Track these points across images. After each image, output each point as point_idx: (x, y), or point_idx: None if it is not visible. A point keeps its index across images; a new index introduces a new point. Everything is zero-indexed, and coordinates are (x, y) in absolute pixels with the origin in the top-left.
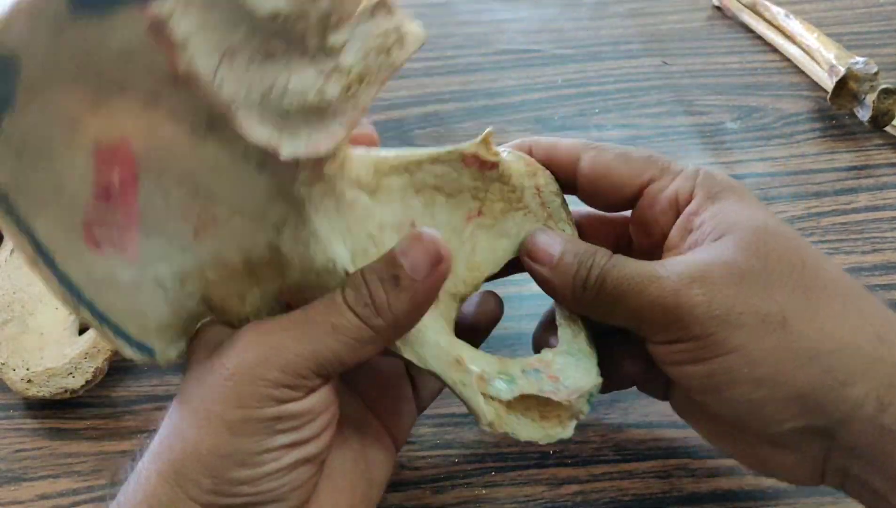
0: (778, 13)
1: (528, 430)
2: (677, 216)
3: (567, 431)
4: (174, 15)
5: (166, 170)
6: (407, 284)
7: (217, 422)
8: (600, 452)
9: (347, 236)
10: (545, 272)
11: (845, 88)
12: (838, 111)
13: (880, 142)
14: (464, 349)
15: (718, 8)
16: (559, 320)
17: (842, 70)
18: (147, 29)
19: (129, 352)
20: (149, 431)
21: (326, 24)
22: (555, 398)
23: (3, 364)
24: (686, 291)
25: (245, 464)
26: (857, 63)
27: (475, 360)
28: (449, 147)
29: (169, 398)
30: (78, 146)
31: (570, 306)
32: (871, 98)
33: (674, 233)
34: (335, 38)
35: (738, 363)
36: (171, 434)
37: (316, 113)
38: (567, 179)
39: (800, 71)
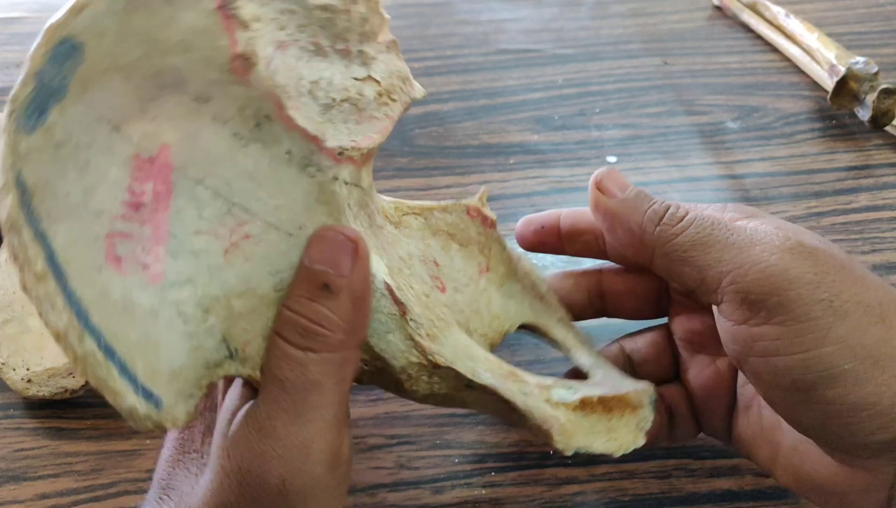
0: (778, 13)
1: (601, 441)
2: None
3: (640, 439)
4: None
5: (202, 182)
6: (339, 284)
7: None
8: None
9: (381, 253)
10: (611, 204)
11: (845, 87)
12: (838, 111)
13: (880, 142)
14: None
15: (718, 8)
16: (587, 365)
17: (842, 70)
18: (214, 7)
19: (130, 400)
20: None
21: (364, 29)
22: (621, 391)
23: (3, 364)
24: (796, 263)
25: None
26: (857, 63)
27: (527, 374)
28: (454, 201)
29: None
30: (117, 151)
31: (629, 248)
32: (871, 98)
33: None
34: (369, 49)
35: (841, 358)
36: None
37: (355, 111)
38: (596, 244)
39: (800, 71)
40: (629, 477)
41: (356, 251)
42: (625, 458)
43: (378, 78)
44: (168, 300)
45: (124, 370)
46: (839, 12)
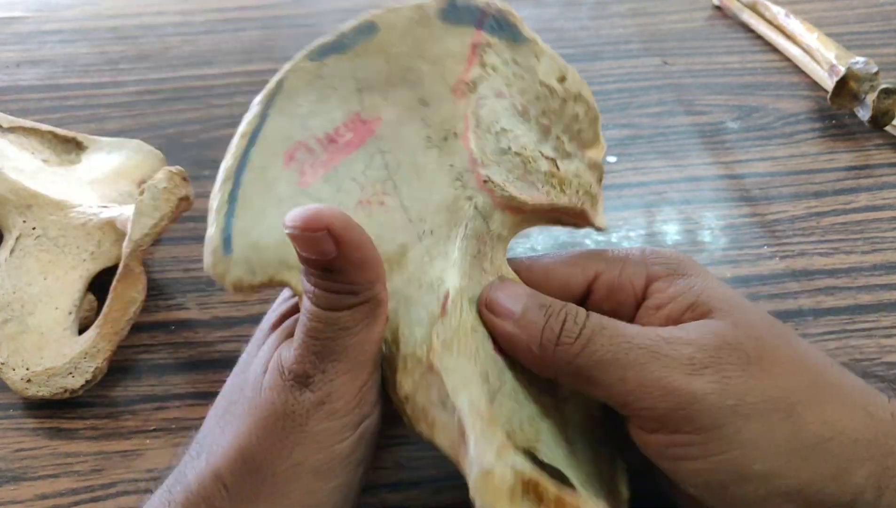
0: (778, 13)
1: None
2: (637, 301)
3: None
4: (492, 46)
5: (384, 154)
6: (335, 264)
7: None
8: None
9: (465, 278)
10: (508, 327)
11: (845, 87)
12: (838, 111)
13: (880, 142)
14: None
15: (718, 8)
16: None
17: (842, 70)
18: (470, 43)
19: (214, 232)
20: (149, 430)
21: (572, 126)
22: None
23: (2, 364)
24: (697, 376)
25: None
26: (857, 63)
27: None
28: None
29: (169, 397)
30: (349, 104)
31: (538, 368)
32: (871, 98)
33: (642, 314)
34: (569, 146)
35: (749, 459)
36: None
37: (522, 170)
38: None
39: (800, 71)
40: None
41: (332, 230)
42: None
43: (560, 167)
44: (297, 200)
45: (230, 214)
46: (839, 12)
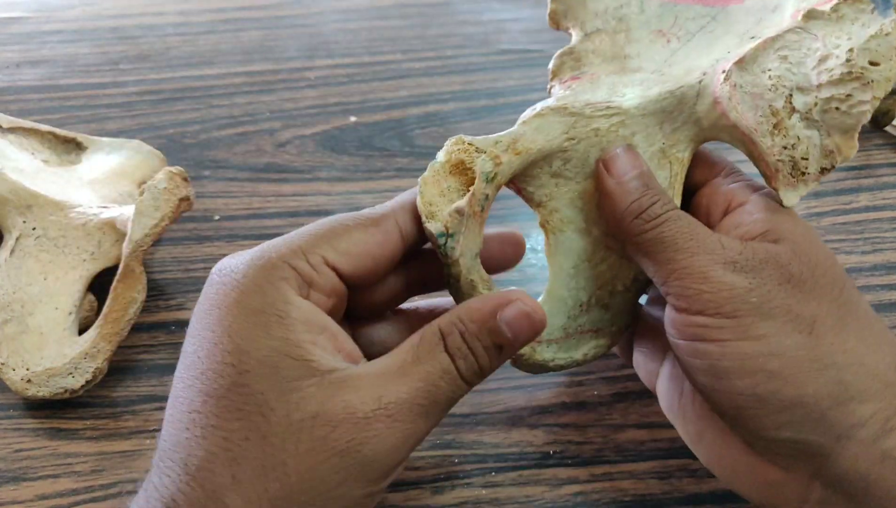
0: None
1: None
2: (725, 211)
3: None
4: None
5: (713, 18)
6: (508, 352)
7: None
8: (601, 452)
9: (640, 108)
10: (610, 183)
11: None
12: None
13: (880, 142)
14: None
15: None
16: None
17: None
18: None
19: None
20: (150, 431)
21: (838, 104)
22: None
23: (2, 364)
24: (736, 275)
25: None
26: None
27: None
28: None
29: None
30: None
31: (614, 228)
32: None
33: (724, 223)
34: (818, 116)
35: (755, 352)
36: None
37: (761, 91)
38: None
39: None
40: (630, 478)
41: (535, 331)
42: (626, 458)
43: (792, 120)
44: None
45: None
46: None
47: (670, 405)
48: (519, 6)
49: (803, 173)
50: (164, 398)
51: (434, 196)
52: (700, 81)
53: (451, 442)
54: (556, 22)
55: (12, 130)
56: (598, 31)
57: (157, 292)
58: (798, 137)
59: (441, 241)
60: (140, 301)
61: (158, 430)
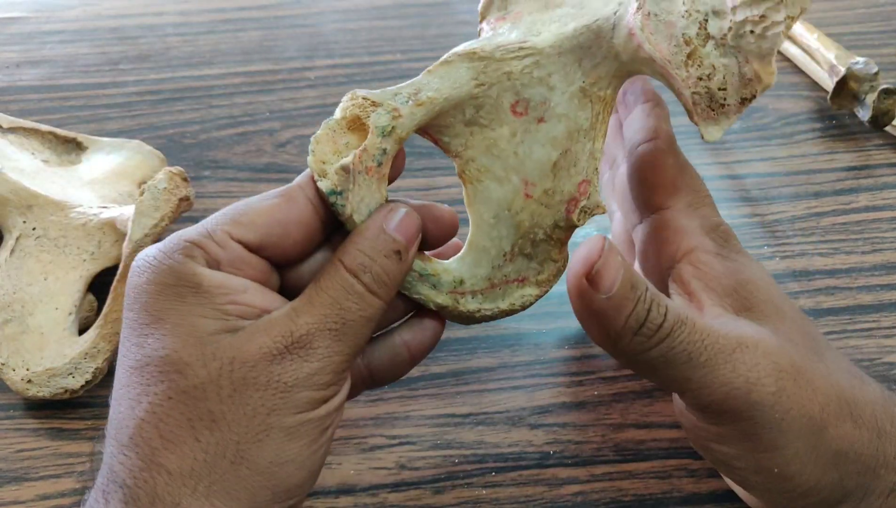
0: None
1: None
2: (678, 256)
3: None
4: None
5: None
6: (406, 256)
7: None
8: (600, 452)
9: (555, 48)
10: (596, 302)
11: (845, 88)
12: (838, 111)
13: (880, 142)
14: None
15: None
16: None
17: (842, 70)
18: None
19: None
20: None
21: (750, 28)
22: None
23: (3, 364)
24: (759, 386)
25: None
26: (857, 63)
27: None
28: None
29: None
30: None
31: (611, 347)
32: (871, 98)
33: (682, 271)
34: (732, 41)
35: (771, 462)
36: (216, 448)
37: (674, 19)
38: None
39: (800, 71)
40: (629, 477)
41: (418, 229)
42: (626, 458)
43: (706, 47)
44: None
45: None
46: (839, 12)
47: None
48: None
49: (722, 105)
50: None
51: (327, 154)
52: (615, 13)
53: (451, 442)
54: (483, 15)
55: (13, 129)
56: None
57: None
58: (713, 67)
59: (331, 199)
60: None
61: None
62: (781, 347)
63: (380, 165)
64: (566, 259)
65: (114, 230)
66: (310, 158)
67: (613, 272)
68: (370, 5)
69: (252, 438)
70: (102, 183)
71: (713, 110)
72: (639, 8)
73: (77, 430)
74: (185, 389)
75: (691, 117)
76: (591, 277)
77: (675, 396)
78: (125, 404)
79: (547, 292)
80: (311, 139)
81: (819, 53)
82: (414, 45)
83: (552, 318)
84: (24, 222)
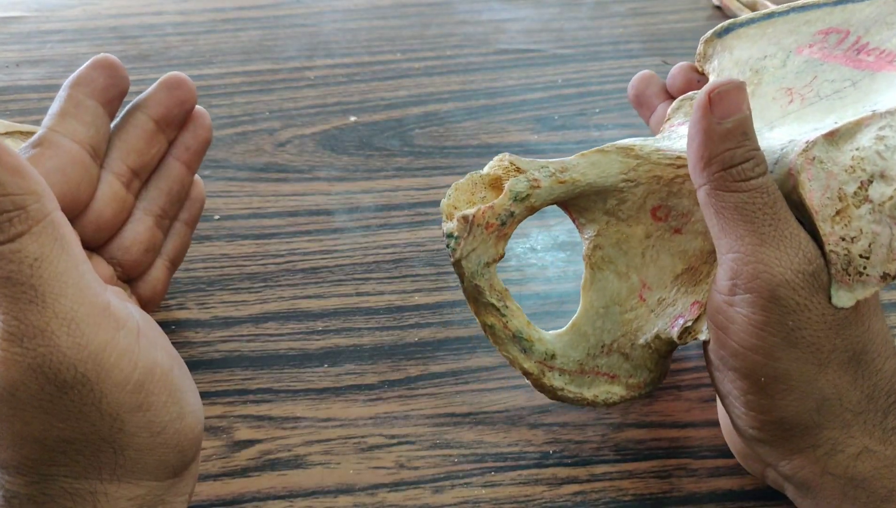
0: None
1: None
2: None
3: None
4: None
5: (853, 84)
6: None
7: None
8: (600, 452)
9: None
10: (708, 121)
11: None
12: None
13: None
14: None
15: (718, 8)
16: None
17: None
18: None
19: None
20: None
21: None
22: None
23: None
24: (789, 288)
25: None
26: None
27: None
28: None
29: None
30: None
31: (693, 170)
32: None
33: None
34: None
35: (765, 372)
36: None
37: (839, 172)
38: None
39: None
40: (629, 477)
41: None
42: (625, 457)
43: (861, 208)
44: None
45: None
46: None
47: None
48: (518, 6)
49: (860, 274)
50: None
51: (461, 201)
52: (783, 148)
53: (450, 442)
54: (700, 65)
55: (9, 134)
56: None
57: None
58: (861, 230)
59: (447, 241)
60: None
61: None
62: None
63: (503, 224)
64: (662, 375)
65: None
66: (443, 201)
67: (733, 106)
68: (370, 5)
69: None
70: None
71: (849, 275)
72: (805, 150)
73: None
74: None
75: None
76: (712, 97)
77: (714, 289)
78: None
79: (634, 398)
80: (452, 185)
81: None
82: (413, 44)
83: (552, 318)
84: None
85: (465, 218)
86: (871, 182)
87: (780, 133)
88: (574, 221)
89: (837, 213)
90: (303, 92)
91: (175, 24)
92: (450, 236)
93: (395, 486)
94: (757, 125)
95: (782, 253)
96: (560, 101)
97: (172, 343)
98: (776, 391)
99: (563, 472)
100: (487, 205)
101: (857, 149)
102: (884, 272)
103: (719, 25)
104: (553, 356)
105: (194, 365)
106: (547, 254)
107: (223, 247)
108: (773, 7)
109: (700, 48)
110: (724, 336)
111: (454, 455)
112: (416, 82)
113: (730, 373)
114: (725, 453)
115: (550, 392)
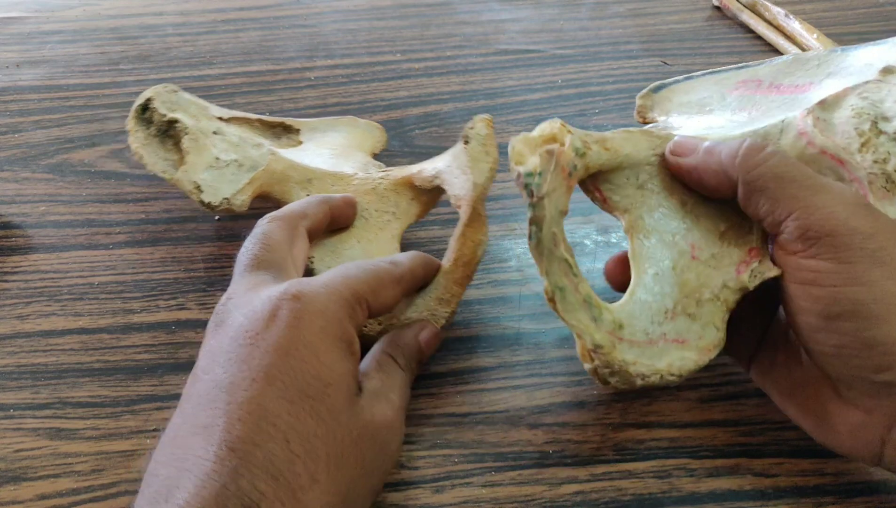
0: (778, 13)
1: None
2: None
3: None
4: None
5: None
6: (425, 357)
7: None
8: (600, 452)
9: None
10: (689, 160)
11: None
12: None
13: None
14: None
15: (718, 8)
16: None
17: None
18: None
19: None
20: (149, 431)
21: None
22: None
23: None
24: (858, 219)
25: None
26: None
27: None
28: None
29: (169, 397)
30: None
31: (718, 188)
32: None
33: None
34: None
35: (868, 298)
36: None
37: (860, 122)
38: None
39: None
40: (629, 477)
41: (438, 339)
42: (625, 457)
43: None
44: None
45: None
46: (839, 12)
47: (764, 370)
48: (518, 7)
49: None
50: (164, 398)
51: (524, 151)
52: (783, 120)
53: (451, 442)
54: (643, 115)
55: (232, 120)
56: (685, 115)
57: (157, 291)
58: (888, 152)
59: (528, 180)
60: (485, 243)
61: (158, 430)
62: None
63: (570, 175)
64: (725, 334)
65: (407, 189)
66: (510, 148)
67: (691, 144)
68: (370, 5)
69: (362, 492)
70: (341, 157)
71: (888, 190)
72: (809, 113)
73: (76, 430)
74: (336, 436)
75: (866, 200)
76: (674, 152)
77: (776, 248)
78: (279, 433)
79: (706, 363)
80: (512, 139)
81: None
82: (414, 45)
83: (552, 318)
84: (308, 194)
85: (549, 152)
86: (878, 122)
87: (762, 123)
88: (605, 201)
89: (863, 145)
90: (303, 93)
91: (175, 25)
92: (530, 174)
93: (396, 486)
94: (734, 126)
95: (835, 194)
96: (560, 101)
97: (172, 343)
98: (890, 315)
99: (562, 472)
100: (562, 147)
101: (851, 105)
102: None
103: (651, 85)
104: (621, 326)
105: (194, 365)
106: None
107: (224, 247)
108: (696, 72)
109: (639, 102)
110: (817, 289)
111: (454, 454)
112: (416, 83)
113: (836, 324)
114: (725, 453)
115: (621, 371)
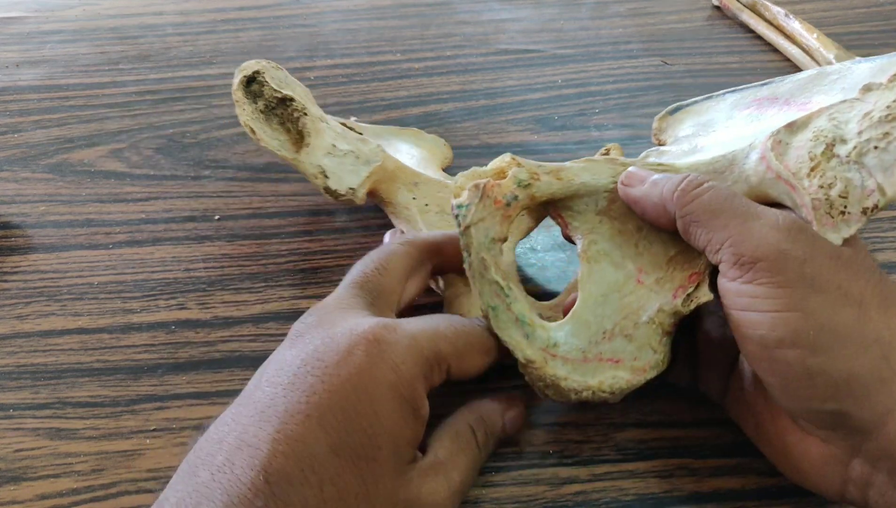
0: (778, 13)
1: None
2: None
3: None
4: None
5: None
6: (504, 437)
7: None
8: (601, 451)
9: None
10: (636, 191)
11: None
12: None
13: None
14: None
15: (718, 8)
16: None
17: None
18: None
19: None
20: (150, 430)
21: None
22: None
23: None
24: (791, 244)
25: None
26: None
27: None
28: None
29: (169, 397)
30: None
31: (658, 219)
32: None
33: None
34: (868, 159)
35: (806, 326)
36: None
37: (814, 146)
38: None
39: (800, 71)
40: (630, 477)
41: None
42: (627, 457)
43: (831, 159)
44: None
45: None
46: (839, 12)
47: (735, 404)
48: (518, 6)
49: (843, 213)
50: (164, 398)
51: (465, 184)
52: (750, 144)
53: None
54: (657, 138)
55: (345, 126)
56: (686, 137)
57: (157, 291)
58: (835, 177)
59: (456, 211)
60: None
61: (158, 430)
62: (824, 240)
63: (508, 205)
64: (666, 357)
65: None
66: (451, 181)
67: (641, 175)
68: (370, 5)
69: None
70: (422, 168)
71: (832, 217)
72: (772, 136)
73: (76, 430)
74: (374, 503)
75: (813, 227)
76: (624, 182)
77: (718, 276)
78: (314, 478)
79: (640, 383)
80: (458, 174)
81: (819, 53)
82: (414, 45)
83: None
84: (414, 197)
85: (476, 186)
86: (834, 144)
87: (742, 141)
88: (566, 226)
89: (812, 169)
90: None
91: (175, 25)
92: (460, 206)
93: None
94: (721, 149)
95: (767, 220)
96: (560, 101)
97: (173, 343)
98: (832, 345)
99: (564, 472)
100: (497, 181)
101: (813, 129)
102: (863, 208)
103: (670, 106)
104: (555, 345)
105: (195, 365)
106: (547, 254)
107: (223, 247)
108: (718, 92)
109: (655, 124)
110: (755, 314)
111: None
112: (416, 83)
113: (778, 352)
114: (727, 452)
115: (553, 385)
